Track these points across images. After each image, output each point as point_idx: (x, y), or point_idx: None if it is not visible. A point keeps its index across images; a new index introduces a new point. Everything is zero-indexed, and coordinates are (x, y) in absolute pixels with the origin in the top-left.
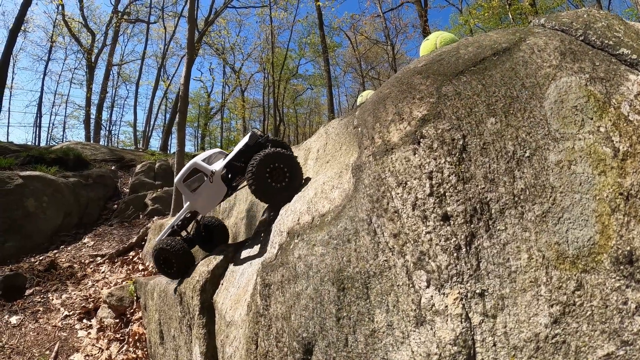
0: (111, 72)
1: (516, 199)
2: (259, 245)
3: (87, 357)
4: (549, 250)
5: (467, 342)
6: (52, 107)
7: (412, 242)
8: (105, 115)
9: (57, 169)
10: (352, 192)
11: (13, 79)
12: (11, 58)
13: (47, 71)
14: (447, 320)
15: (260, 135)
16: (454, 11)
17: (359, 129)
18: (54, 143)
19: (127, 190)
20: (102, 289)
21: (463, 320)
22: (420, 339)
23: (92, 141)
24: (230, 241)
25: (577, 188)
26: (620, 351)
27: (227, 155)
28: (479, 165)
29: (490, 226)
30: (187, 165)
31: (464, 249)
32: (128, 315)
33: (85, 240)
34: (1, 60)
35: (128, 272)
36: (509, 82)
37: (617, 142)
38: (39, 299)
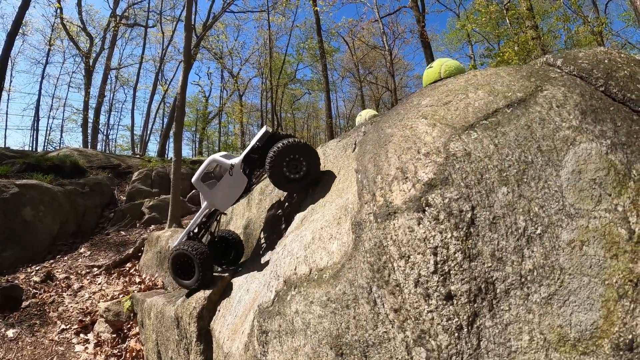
0: (109, 76)
1: (523, 279)
2: (256, 273)
3: None
4: (551, 332)
5: None
6: (50, 111)
7: (413, 319)
8: (103, 119)
9: (54, 176)
10: (351, 249)
11: (11, 81)
12: (9, 61)
13: (44, 74)
14: None
15: (274, 130)
16: (451, 16)
17: (359, 175)
18: (51, 148)
19: (124, 198)
20: (98, 301)
21: None
22: None
23: (89, 146)
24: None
25: (586, 271)
26: None
27: (245, 149)
28: (486, 242)
29: (494, 306)
30: (206, 162)
31: (465, 329)
32: (125, 331)
33: (82, 249)
34: None
35: (125, 284)
36: (524, 144)
37: (633, 223)
38: (36, 312)
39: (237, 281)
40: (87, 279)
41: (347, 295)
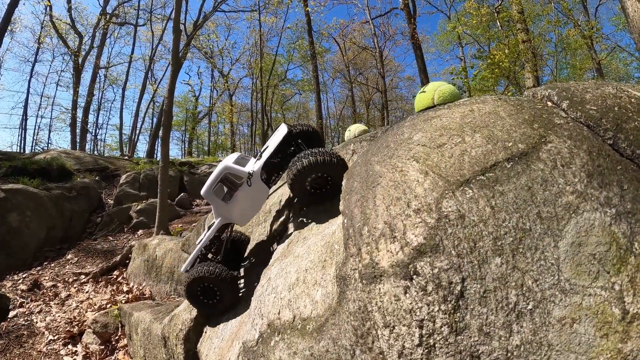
0: (98, 75)
1: (509, 354)
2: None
3: None
4: None
5: None
6: (38, 110)
7: None
8: (91, 118)
9: (40, 180)
10: (335, 304)
11: None
12: None
13: (33, 73)
14: None
15: (293, 128)
16: (442, 18)
17: (345, 220)
18: (39, 148)
19: (112, 202)
20: (86, 311)
21: None
22: None
23: (77, 146)
24: None
25: (574, 348)
26: None
27: (262, 152)
28: (475, 316)
29: None
30: (217, 171)
31: None
32: (113, 342)
33: (69, 256)
34: None
35: (112, 292)
36: (523, 208)
37: (628, 303)
38: (23, 322)
39: None
40: (75, 287)
41: (330, 353)
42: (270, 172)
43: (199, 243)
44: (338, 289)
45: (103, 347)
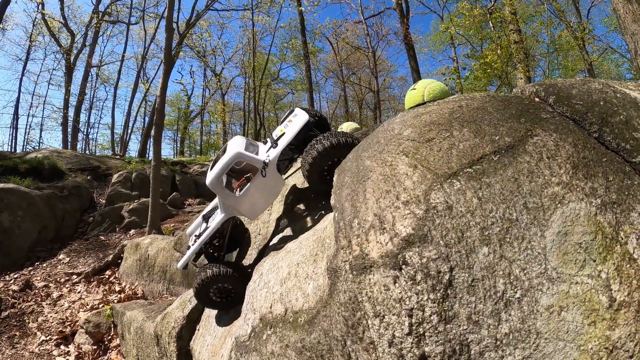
0: (90, 74)
1: (498, 342)
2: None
3: None
4: None
5: None
6: (30, 109)
7: None
8: (83, 117)
9: (32, 180)
10: (326, 296)
11: None
12: None
13: (25, 71)
14: None
15: (312, 113)
16: (435, 18)
17: (336, 214)
18: (30, 148)
19: (104, 201)
20: (78, 311)
21: None
22: None
23: (69, 145)
24: None
25: (563, 335)
26: None
27: (278, 139)
28: (463, 305)
29: None
30: (227, 158)
31: None
32: (106, 342)
33: (61, 256)
34: None
35: (104, 292)
36: (510, 199)
37: (615, 290)
38: (15, 322)
39: None
40: (67, 287)
41: (321, 345)
42: (283, 161)
43: (198, 237)
44: (329, 281)
45: (96, 347)
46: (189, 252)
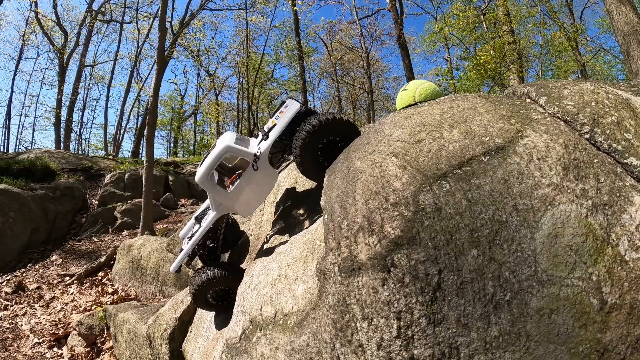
0: (83, 73)
1: (488, 345)
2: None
3: None
4: None
5: None
6: (22, 109)
7: None
8: (76, 117)
9: (24, 180)
10: (316, 298)
11: None
12: None
13: (17, 71)
14: None
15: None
16: (429, 19)
17: (325, 215)
18: (23, 148)
19: (96, 202)
20: (71, 313)
21: None
22: None
23: (62, 145)
24: None
25: (553, 338)
26: None
27: (269, 131)
28: (452, 307)
29: None
30: (216, 152)
31: None
32: (99, 344)
33: (53, 257)
34: None
35: (97, 294)
36: (499, 201)
37: (606, 293)
38: (8, 325)
39: None
40: (59, 289)
41: (310, 347)
42: (275, 154)
43: (190, 238)
44: (318, 283)
45: (89, 349)
46: (181, 255)
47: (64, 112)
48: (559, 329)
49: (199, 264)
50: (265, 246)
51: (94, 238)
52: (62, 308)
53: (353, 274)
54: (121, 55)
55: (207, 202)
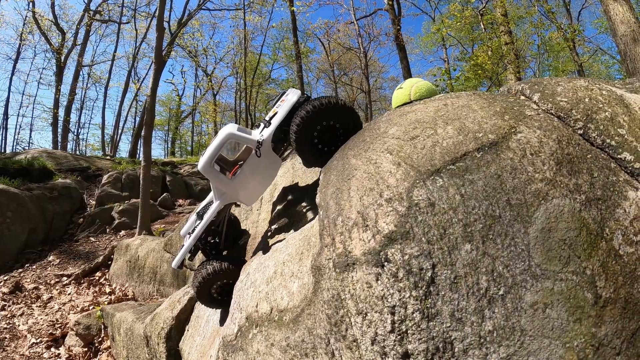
0: (81, 73)
1: (482, 340)
2: None
3: None
4: None
5: None
6: (20, 109)
7: None
8: (74, 117)
9: (21, 180)
10: (311, 294)
11: None
12: None
13: (15, 70)
14: None
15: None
16: (426, 19)
17: (320, 212)
18: (20, 148)
19: (94, 202)
20: (69, 313)
21: None
22: None
23: (59, 145)
24: None
25: (548, 333)
26: None
27: (271, 119)
28: (446, 302)
29: None
30: (219, 138)
31: None
32: (96, 344)
33: (51, 257)
34: None
35: (95, 294)
36: (492, 196)
37: (600, 287)
38: (5, 325)
39: None
40: (57, 289)
41: (305, 343)
42: (277, 142)
43: (191, 233)
44: (313, 279)
45: (86, 349)
46: (183, 249)
47: (61, 112)
48: (553, 323)
49: (198, 263)
50: (262, 244)
51: (91, 238)
52: (60, 308)
53: (347, 269)
54: (119, 55)
55: (208, 198)
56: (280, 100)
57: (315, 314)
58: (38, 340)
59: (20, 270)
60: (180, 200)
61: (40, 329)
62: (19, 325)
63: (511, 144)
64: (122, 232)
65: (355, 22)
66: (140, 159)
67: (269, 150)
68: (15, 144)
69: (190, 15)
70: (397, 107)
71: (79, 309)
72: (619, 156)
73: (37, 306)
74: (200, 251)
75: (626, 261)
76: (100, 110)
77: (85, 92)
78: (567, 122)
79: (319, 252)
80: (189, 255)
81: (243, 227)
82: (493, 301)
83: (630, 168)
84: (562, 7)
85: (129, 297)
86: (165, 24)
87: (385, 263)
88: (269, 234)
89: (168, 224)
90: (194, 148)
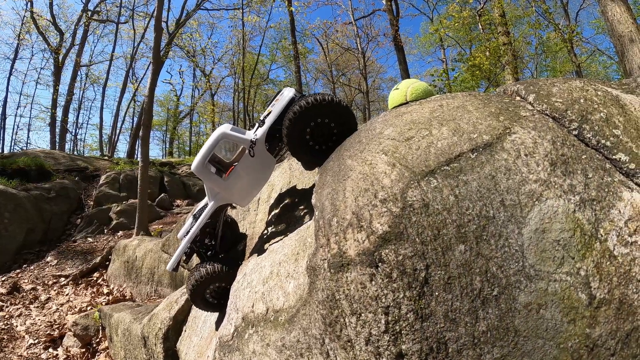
0: (79, 73)
1: (476, 340)
2: None
3: None
4: None
5: None
6: (17, 109)
7: None
8: (71, 117)
9: (19, 181)
10: (306, 294)
11: None
12: None
13: (12, 70)
14: None
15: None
16: (425, 20)
17: (316, 212)
18: (18, 149)
19: (91, 203)
20: (66, 314)
21: None
22: None
23: (57, 145)
24: None
25: (542, 334)
26: None
27: (265, 118)
28: (440, 302)
29: None
30: (212, 139)
31: None
32: (94, 345)
33: (49, 258)
34: None
35: (92, 295)
36: (486, 196)
37: (595, 288)
38: (3, 326)
39: None
40: (55, 290)
41: (301, 343)
42: (272, 142)
43: (186, 235)
44: (309, 279)
45: (84, 349)
46: (177, 252)
47: (59, 113)
48: (547, 324)
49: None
50: (259, 245)
51: (89, 239)
52: (58, 309)
53: (342, 270)
54: (117, 56)
55: (205, 199)
56: (275, 99)
57: (311, 314)
58: (36, 341)
59: (18, 270)
60: (178, 201)
61: (38, 330)
62: (16, 326)
63: (505, 145)
64: (120, 233)
65: (353, 23)
66: (138, 159)
67: (263, 150)
68: (13, 144)
69: (188, 15)
70: (393, 107)
71: (76, 309)
72: (614, 157)
73: (34, 307)
74: (195, 254)
75: (621, 262)
76: (98, 111)
77: (83, 92)
78: (562, 122)
79: (314, 253)
80: (184, 257)
81: (240, 227)
82: (487, 302)
83: (625, 169)
84: (560, 7)
85: (127, 297)
86: (163, 24)
87: (380, 264)
88: (266, 234)
89: (166, 224)
90: (192, 148)
